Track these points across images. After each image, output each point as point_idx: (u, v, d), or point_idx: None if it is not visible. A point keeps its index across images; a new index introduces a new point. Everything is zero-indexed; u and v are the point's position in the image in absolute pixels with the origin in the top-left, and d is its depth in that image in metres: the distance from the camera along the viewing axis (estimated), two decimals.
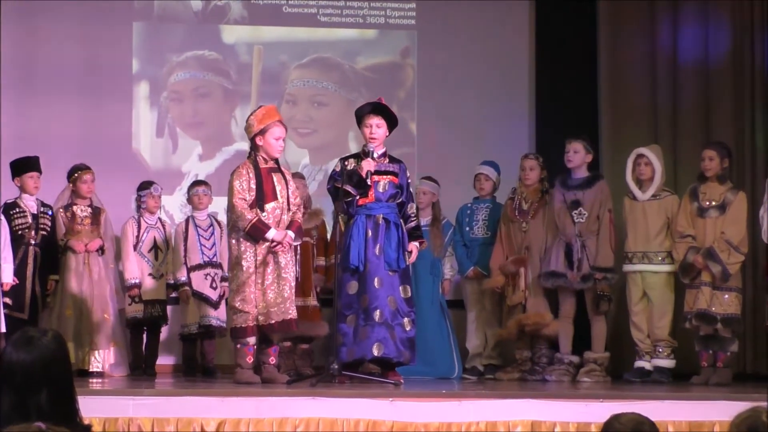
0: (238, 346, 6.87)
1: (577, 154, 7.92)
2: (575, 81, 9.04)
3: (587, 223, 7.83)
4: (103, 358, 7.97)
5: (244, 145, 7.99)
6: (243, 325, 6.81)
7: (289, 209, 6.89)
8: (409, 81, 9.34)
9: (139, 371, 8.08)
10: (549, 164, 8.16)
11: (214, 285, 8.21)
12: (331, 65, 9.33)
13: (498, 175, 8.37)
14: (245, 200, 6.79)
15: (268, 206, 6.83)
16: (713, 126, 8.67)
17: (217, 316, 8.13)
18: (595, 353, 7.87)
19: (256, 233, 6.76)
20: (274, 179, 6.89)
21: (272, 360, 6.97)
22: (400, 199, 7.16)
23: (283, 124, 7.01)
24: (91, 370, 7.88)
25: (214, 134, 9.18)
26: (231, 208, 6.83)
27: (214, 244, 8.22)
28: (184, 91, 9.25)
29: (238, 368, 6.89)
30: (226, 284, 7.92)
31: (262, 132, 6.86)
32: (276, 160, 6.96)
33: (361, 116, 7.16)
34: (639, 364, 7.83)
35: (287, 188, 6.92)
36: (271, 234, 6.76)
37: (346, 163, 7.17)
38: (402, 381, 6.93)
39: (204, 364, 8.31)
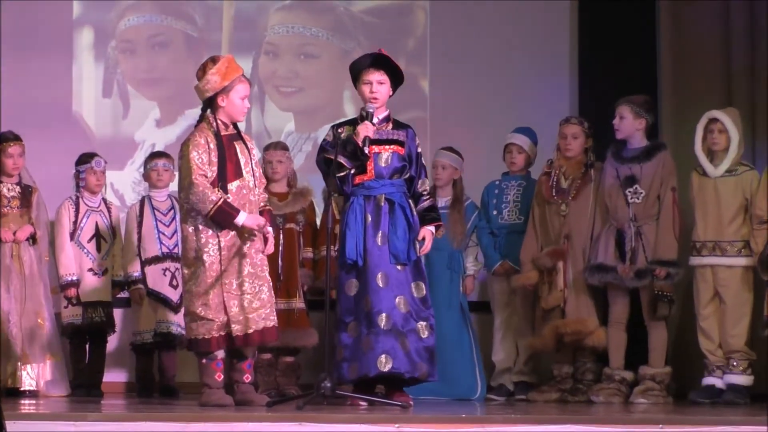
0: (204, 361, 6.82)
1: (623, 120, 7.88)
2: (629, 28, 9.01)
3: (644, 204, 7.78)
4: (38, 374, 7.97)
5: None
6: (206, 337, 6.74)
7: (255, 186, 6.83)
8: (420, 27, 9.29)
9: (82, 390, 8.06)
10: (596, 134, 8.09)
11: (174, 282, 8.21)
12: (322, 7, 9.29)
13: (534, 146, 8.33)
14: (206, 177, 6.69)
15: (232, 185, 6.74)
16: None
17: (178, 322, 8.09)
18: (654, 368, 7.85)
19: (222, 219, 6.67)
20: (237, 150, 6.82)
21: (247, 377, 6.91)
22: (408, 174, 7.11)
23: (247, 79, 6.94)
24: (22, 388, 7.89)
25: (174, 94, 9.14)
26: (187, 188, 6.71)
27: (175, 231, 8.19)
28: (137, 39, 9.21)
29: (205, 388, 6.83)
30: None
31: (226, 90, 6.78)
32: (235, 125, 6.89)
33: (358, 71, 7.10)
34: (708, 381, 7.83)
35: (251, 160, 6.86)
36: (242, 219, 6.68)
37: (339, 130, 7.11)
38: (411, 403, 6.91)
39: (162, 381, 8.30)
